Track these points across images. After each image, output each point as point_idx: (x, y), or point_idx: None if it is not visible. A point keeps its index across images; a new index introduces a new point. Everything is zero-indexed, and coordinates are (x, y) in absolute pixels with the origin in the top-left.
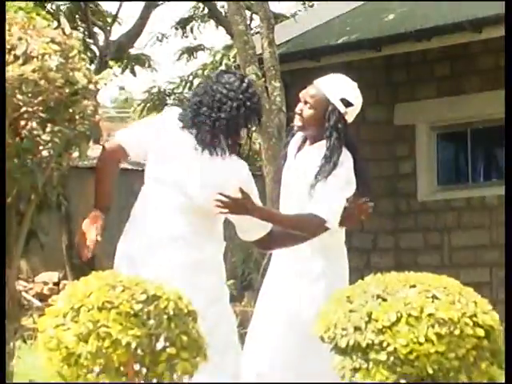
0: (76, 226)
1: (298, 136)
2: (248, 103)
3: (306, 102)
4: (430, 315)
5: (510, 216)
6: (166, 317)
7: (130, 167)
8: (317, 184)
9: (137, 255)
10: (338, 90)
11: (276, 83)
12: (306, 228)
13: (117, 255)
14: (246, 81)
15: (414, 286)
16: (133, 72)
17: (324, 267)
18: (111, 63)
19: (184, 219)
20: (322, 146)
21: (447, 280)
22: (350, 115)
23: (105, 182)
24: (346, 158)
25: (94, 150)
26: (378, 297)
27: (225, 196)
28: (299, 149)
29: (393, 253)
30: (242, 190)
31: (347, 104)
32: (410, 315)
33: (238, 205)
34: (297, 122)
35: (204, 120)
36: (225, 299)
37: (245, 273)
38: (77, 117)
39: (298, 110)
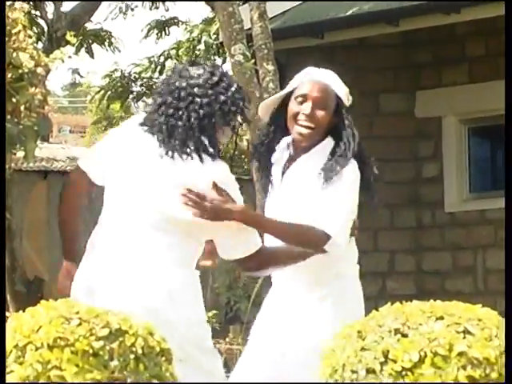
0: (20, 243)
1: (283, 146)
2: (222, 98)
3: (315, 101)
4: (460, 354)
5: (509, 215)
6: (133, 356)
7: None
8: (322, 189)
9: (98, 284)
10: (340, 82)
11: (268, 65)
12: (307, 240)
13: (74, 285)
14: (218, 73)
15: (440, 318)
16: (90, 52)
17: (335, 291)
18: (66, 40)
19: (158, 239)
20: (322, 149)
21: (482, 310)
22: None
23: (72, 223)
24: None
25: (42, 150)
26: (397, 331)
27: (195, 195)
28: (287, 165)
29: (414, 277)
30: (215, 186)
31: (347, 98)
32: (436, 354)
33: (215, 206)
34: (307, 124)
35: (171, 122)
36: (207, 336)
37: (230, 302)
38: (22, 108)
39: (306, 110)
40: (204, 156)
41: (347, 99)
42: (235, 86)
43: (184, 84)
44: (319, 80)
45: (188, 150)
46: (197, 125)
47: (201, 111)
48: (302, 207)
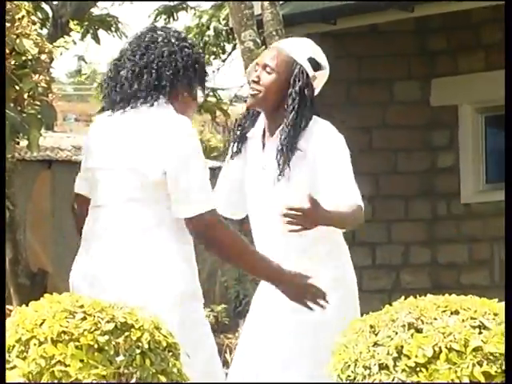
0: (23, 234)
1: (256, 131)
2: (183, 56)
3: (264, 66)
4: (476, 349)
5: (509, 211)
6: (139, 351)
7: None
8: (284, 164)
9: (101, 274)
10: (305, 49)
11: None
12: (359, 219)
13: (73, 275)
14: (179, 35)
15: (456, 313)
16: (96, 38)
17: (333, 278)
18: (70, 27)
19: (150, 212)
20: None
21: (498, 304)
22: (319, 82)
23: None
24: (329, 124)
25: (46, 139)
26: (411, 326)
27: (295, 210)
28: (263, 140)
29: (429, 270)
30: (311, 198)
31: (316, 66)
32: (451, 349)
33: (309, 217)
34: (252, 92)
35: (131, 77)
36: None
37: (239, 295)
38: (25, 96)
39: (254, 77)
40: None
41: (310, 66)
42: (198, 51)
43: (141, 42)
44: (274, 46)
45: (152, 94)
46: (157, 81)
47: (163, 60)
48: (298, 182)
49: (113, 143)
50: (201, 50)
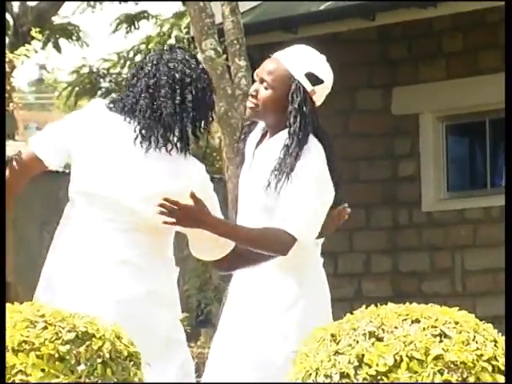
0: None
1: (258, 130)
2: (211, 86)
3: (262, 81)
4: (437, 358)
5: (510, 213)
6: (100, 361)
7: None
8: (277, 184)
9: (67, 286)
10: (303, 62)
11: (241, 61)
12: (272, 247)
13: (40, 285)
14: (199, 59)
15: (416, 322)
16: (57, 47)
17: (298, 293)
18: (31, 35)
19: (129, 240)
20: (284, 137)
21: (459, 313)
22: (319, 95)
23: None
24: (316, 149)
25: (7, 148)
26: (372, 335)
27: (171, 203)
28: (257, 145)
29: (390, 278)
30: (193, 196)
31: (315, 81)
32: (411, 358)
33: (189, 215)
34: (250, 105)
35: (153, 106)
36: (182, 339)
37: (201, 304)
38: None
39: (252, 91)
40: (183, 152)
41: (308, 82)
42: (209, 79)
43: (177, 65)
44: (275, 58)
45: (166, 143)
46: (187, 112)
47: (197, 97)
48: (267, 195)
49: (130, 171)
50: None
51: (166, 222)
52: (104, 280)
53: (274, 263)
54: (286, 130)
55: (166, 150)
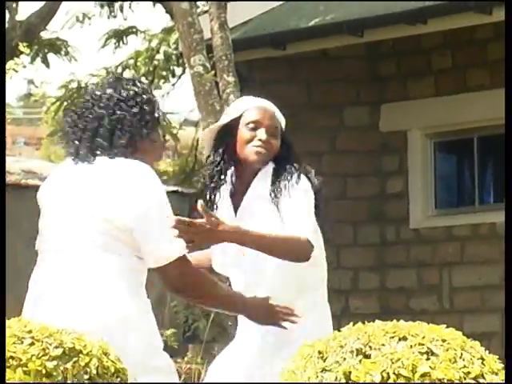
0: None
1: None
2: (133, 110)
3: (268, 128)
4: (424, 375)
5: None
6: (87, 377)
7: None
8: (281, 203)
9: (50, 306)
10: (277, 110)
11: (229, 77)
12: (297, 250)
13: (27, 300)
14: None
15: (404, 339)
16: (45, 62)
17: (311, 320)
18: (19, 50)
19: (99, 266)
20: (265, 173)
21: (447, 331)
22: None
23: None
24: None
25: None
26: (359, 352)
27: (183, 223)
28: (236, 197)
29: (378, 295)
30: (204, 208)
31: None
32: (399, 375)
33: (206, 231)
34: (263, 150)
35: (86, 125)
36: (161, 366)
37: (188, 320)
38: None
39: (262, 137)
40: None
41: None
42: (145, 97)
43: (104, 97)
44: (267, 107)
45: (106, 150)
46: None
47: (124, 112)
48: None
49: (74, 192)
50: (153, 96)
51: (188, 247)
52: (76, 308)
53: (290, 286)
54: (262, 172)
55: (110, 156)
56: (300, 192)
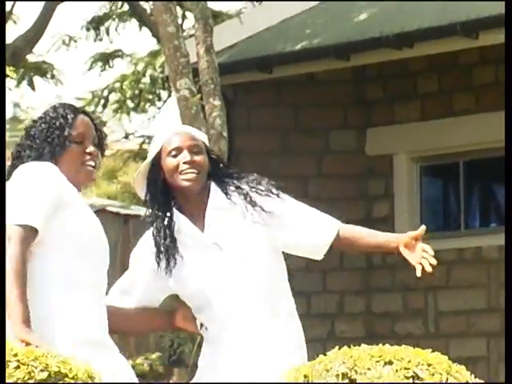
0: None
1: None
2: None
3: (190, 148)
4: None
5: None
6: None
7: None
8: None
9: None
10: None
11: (215, 101)
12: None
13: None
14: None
15: (389, 363)
16: (31, 85)
17: (298, 334)
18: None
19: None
20: (216, 195)
21: (432, 355)
22: None
23: (23, 285)
24: None
25: None
26: (344, 376)
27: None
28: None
29: (363, 318)
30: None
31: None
32: None
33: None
34: (192, 171)
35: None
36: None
37: (174, 344)
38: None
39: (186, 158)
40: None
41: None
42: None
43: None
44: (183, 131)
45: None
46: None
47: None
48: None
49: None
50: (62, 112)
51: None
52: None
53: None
54: (212, 198)
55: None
56: (286, 198)
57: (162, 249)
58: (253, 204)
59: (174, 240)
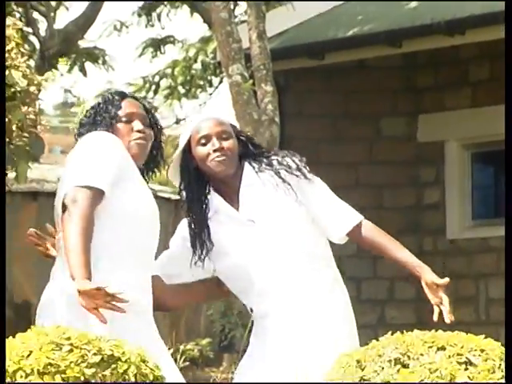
0: (8, 268)
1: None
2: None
3: (218, 134)
4: None
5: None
6: None
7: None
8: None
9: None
10: (225, 113)
11: (267, 86)
12: None
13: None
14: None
15: (442, 349)
16: (83, 70)
17: (345, 303)
18: (58, 58)
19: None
20: (249, 175)
21: (485, 341)
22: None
23: (89, 243)
24: None
25: (32, 171)
26: (397, 362)
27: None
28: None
29: (414, 305)
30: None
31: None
32: None
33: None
34: (221, 158)
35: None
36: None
37: (225, 329)
38: (14, 127)
39: (215, 146)
40: None
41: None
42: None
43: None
44: (210, 117)
45: None
46: None
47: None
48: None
49: None
50: (109, 95)
51: None
52: None
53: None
54: (245, 178)
55: None
56: (315, 179)
57: (196, 235)
58: (283, 180)
59: (207, 226)
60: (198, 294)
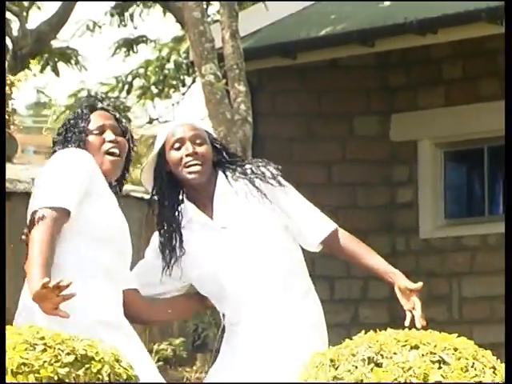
0: None
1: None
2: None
3: (192, 139)
4: None
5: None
6: None
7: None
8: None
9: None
10: (199, 120)
11: (240, 86)
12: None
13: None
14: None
15: (415, 348)
16: (56, 70)
17: (317, 311)
18: (30, 58)
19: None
20: (223, 183)
21: (458, 340)
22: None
23: (46, 264)
24: None
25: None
26: (370, 360)
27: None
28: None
29: (388, 304)
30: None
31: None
32: None
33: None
34: (195, 162)
35: None
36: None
37: (198, 329)
38: None
39: (188, 150)
40: None
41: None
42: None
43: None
44: (184, 122)
45: None
46: None
47: None
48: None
49: None
50: (79, 110)
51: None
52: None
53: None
54: (219, 186)
55: None
56: (289, 188)
57: (166, 241)
58: (257, 189)
59: (180, 233)
60: (182, 310)
